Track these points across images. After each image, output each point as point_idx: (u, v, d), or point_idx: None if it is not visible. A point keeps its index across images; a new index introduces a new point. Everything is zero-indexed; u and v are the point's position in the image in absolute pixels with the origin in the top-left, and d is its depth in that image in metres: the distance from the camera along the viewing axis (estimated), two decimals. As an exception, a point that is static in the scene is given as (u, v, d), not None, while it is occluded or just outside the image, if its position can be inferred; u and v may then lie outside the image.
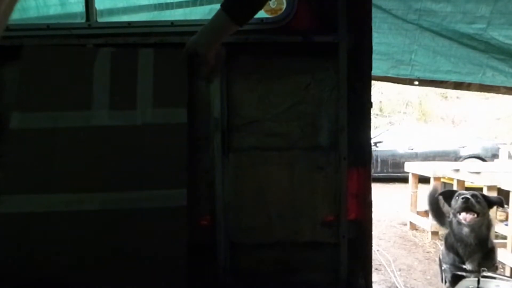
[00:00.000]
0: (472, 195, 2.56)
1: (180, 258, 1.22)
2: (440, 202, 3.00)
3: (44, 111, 1.28)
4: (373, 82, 1.40)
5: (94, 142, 1.28)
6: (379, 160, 9.60)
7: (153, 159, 1.27)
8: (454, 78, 2.84)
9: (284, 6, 1.35)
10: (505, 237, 3.79)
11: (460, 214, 2.53)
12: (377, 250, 4.30)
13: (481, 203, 2.56)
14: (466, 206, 2.51)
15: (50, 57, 1.34)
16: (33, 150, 1.27)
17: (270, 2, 1.44)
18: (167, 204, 1.23)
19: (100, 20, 1.47)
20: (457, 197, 2.61)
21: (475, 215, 2.50)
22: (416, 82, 2.93)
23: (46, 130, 1.27)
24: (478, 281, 1.64)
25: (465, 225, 2.50)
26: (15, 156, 1.27)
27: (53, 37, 1.37)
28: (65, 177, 1.26)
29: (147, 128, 1.28)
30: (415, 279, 3.72)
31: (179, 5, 2.03)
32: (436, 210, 3.03)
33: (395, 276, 3.69)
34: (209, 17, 1.22)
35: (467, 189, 3.95)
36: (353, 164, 1.35)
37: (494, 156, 8.93)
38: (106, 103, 1.29)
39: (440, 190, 3.17)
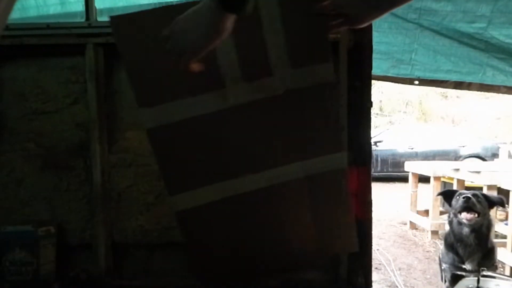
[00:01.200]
0: (473, 195, 2.56)
1: (349, 214, 1.22)
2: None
3: (177, 100, 1.10)
4: (373, 81, 1.40)
5: (238, 123, 1.13)
6: (379, 159, 9.60)
7: (304, 126, 1.14)
8: (454, 77, 2.84)
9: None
10: (505, 237, 3.79)
11: (460, 214, 2.53)
12: (377, 249, 4.31)
13: (482, 203, 2.56)
14: (467, 206, 2.51)
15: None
16: (179, 146, 1.14)
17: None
18: (329, 168, 1.16)
19: (100, 19, 1.47)
20: (457, 197, 2.61)
21: (476, 215, 2.50)
22: (417, 82, 2.93)
23: (185, 121, 1.10)
24: (478, 281, 1.63)
25: (465, 225, 2.50)
26: (165, 155, 1.16)
27: (53, 36, 1.37)
28: (223, 165, 1.16)
29: (291, 95, 1.10)
30: (415, 278, 3.72)
31: (179, 4, 2.03)
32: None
33: (395, 275, 3.69)
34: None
35: (467, 188, 3.96)
36: (353, 164, 1.35)
37: (494, 155, 8.93)
38: (238, 75, 1.09)
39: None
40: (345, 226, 1.24)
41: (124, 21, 1.06)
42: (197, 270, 1.24)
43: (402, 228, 5.41)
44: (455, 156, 9.52)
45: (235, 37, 1.04)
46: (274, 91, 1.09)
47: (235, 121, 1.12)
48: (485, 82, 2.77)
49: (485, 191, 3.72)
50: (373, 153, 8.37)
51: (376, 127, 12.90)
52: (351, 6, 0.99)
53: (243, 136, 1.14)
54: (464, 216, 2.50)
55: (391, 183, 9.07)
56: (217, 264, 1.25)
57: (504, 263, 3.64)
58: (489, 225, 2.56)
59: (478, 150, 9.72)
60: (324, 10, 1.02)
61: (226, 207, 1.17)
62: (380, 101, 15.84)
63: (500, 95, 3.25)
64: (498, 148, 8.73)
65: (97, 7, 1.43)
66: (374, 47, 1.32)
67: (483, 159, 9.29)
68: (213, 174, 1.16)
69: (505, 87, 2.80)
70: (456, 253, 2.52)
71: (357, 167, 1.35)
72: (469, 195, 2.54)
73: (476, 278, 1.65)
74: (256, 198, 1.18)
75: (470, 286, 1.65)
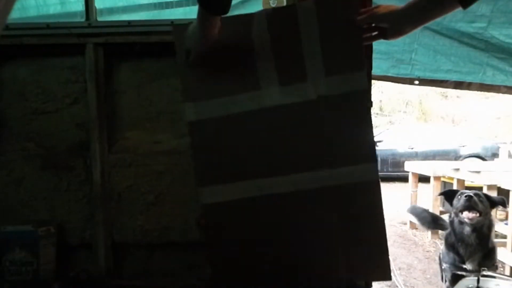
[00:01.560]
0: (475, 194, 2.56)
1: (381, 236, 1.16)
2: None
3: (216, 98, 1.17)
4: (373, 81, 1.40)
5: (270, 124, 1.16)
6: (379, 159, 9.56)
7: (335, 134, 1.15)
8: (454, 77, 2.84)
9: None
10: (505, 236, 3.79)
11: (462, 213, 2.52)
12: (377, 249, 4.31)
13: (484, 203, 2.55)
14: (469, 205, 2.50)
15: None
16: (214, 140, 1.19)
17: (271, 2, 1.43)
18: (359, 179, 1.14)
19: (100, 19, 1.47)
20: (459, 196, 2.61)
21: (478, 214, 2.50)
22: (417, 82, 2.93)
23: (222, 118, 1.16)
24: (478, 280, 1.64)
25: (467, 224, 2.50)
26: (200, 148, 1.20)
27: (53, 36, 1.37)
28: (252, 163, 1.18)
29: (323, 102, 1.12)
30: (415, 278, 3.73)
31: (179, 4, 2.03)
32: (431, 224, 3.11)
33: (395, 275, 3.69)
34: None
35: (467, 188, 3.96)
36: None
37: (494, 155, 8.93)
38: (274, 78, 1.14)
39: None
40: (377, 248, 1.18)
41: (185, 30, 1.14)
42: (214, 267, 1.23)
43: (402, 228, 5.41)
44: (455, 156, 9.52)
45: (273, 43, 1.12)
46: (308, 96, 1.13)
47: (268, 122, 1.16)
48: (485, 82, 2.77)
49: (485, 191, 3.73)
50: (373, 153, 8.35)
51: (376, 127, 12.91)
52: (387, 20, 1.04)
53: (275, 137, 1.17)
54: (466, 215, 2.50)
55: (391, 183, 9.07)
56: (234, 263, 1.24)
57: (504, 263, 3.64)
58: (490, 225, 2.55)
59: (478, 150, 9.72)
60: (361, 23, 1.07)
61: (250, 207, 1.18)
62: (380, 101, 15.85)
63: (500, 95, 3.25)
64: (498, 148, 8.73)
65: (97, 7, 1.44)
66: (374, 47, 1.31)
67: (483, 159, 9.29)
68: (240, 172, 1.18)
69: (505, 87, 2.80)
70: (456, 252, 2.52)
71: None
72: (471, 194, 2.54)
73: (476, 278, 1.66)
74: (282, 202, 1.17)
75: (470, 286, 1.66)
